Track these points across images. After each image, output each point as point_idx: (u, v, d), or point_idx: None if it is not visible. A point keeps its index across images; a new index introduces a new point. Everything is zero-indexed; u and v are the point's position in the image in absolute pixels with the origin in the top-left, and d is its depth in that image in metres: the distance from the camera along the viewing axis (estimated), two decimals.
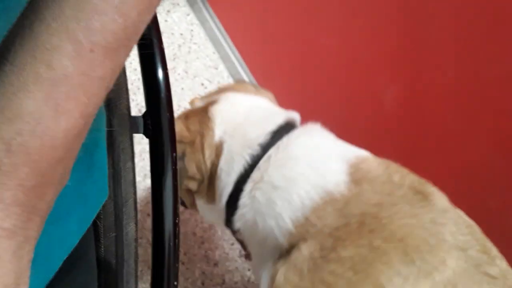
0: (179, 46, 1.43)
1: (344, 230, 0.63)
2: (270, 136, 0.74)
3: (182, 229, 1.16)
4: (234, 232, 0.85)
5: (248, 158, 0.72)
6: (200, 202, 0.83)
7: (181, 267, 1.12)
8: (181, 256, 1.13)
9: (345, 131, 0.80)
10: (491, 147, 0.90)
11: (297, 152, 0.71)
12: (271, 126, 0.75)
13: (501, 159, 0.89)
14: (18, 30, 0.29)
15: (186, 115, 0.82)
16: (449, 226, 0.62)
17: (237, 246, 1.18)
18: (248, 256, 1.18)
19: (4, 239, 0.26)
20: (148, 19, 0.34)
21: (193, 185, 0.79)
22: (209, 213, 0.84)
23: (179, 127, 0.78)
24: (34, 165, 0.27)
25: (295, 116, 0.80)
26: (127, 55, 0.33)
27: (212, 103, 0.81)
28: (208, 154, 0.76)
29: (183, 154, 0.77)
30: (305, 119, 1.02)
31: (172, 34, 1.44)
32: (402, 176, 0.68)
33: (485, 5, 0.81)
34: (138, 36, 0.34)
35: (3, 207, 0.26)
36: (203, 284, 1.11)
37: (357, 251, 0.61)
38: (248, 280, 1.15)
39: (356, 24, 1.06)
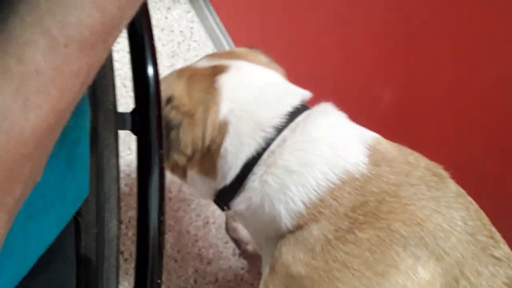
0: (179, 43, 1.42)
1: (362, 210, 0.63)
2: (285, 118, 0.70)
3: (176, 227, 1.16)
4: (223, 210, 0.81)
5: (261, 142, 0.69)
6: (191, 173, 0.79)
7: (174, 265, 1.11)
8: (175, 254, 1.13)
9: None
10: (487, 148, 0.90)
11: (315, 134, 0.69)
12: (286, 107, 0.72)
13: (496, 160, 0.89)
14: None
15: (190, 76, 0.76)
16: (461, 211, 0.64)
17: (231, 244, 1.18)
18: (243, 254, 1.18)
19: None
20: (129, 14, 0.34)
21: (181, 160, 0.75)
22: (200, 185, 0.80)
23: (179, 90, 0.74)
24: (0, 160, 0.26)
25: (308, 95, 0.77)
26: (106, 50, 0.33)
27: (221, 69, 0.75)
28: (210, 131, 0.72)
29: (179, 125, 0.73)
30: None
31: (172, 31, 1.43)
32: (416, 158, 0.68)
33: (482, 5, 0.80)
34: (118, 32, 0.34)
35: None
36: (195, 282, 1.11)
37: (375, 233, 0.61)
38: (242, 279, 1.15)
39: (355, 26, 1.06)
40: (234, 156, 0.70)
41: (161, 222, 0.51)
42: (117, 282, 0.47)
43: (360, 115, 1.13)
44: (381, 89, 1.06)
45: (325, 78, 1.21)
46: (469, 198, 0.68)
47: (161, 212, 0.52)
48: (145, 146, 0.52)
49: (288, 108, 0.72)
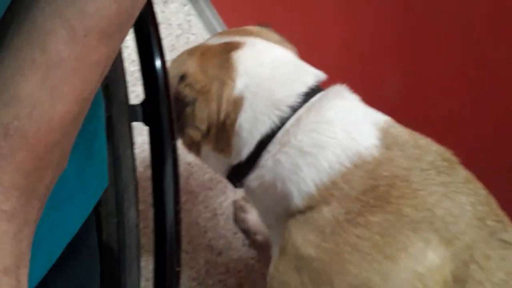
0: (177, 36, 1.42)
1: (373, 194, 0.63)
2: (301, 98, 0.70)
3: (185, 219, 1.17)
4: (236, 186, 0.81)
5: (276, 120, 0.69)
6: (206, 149, 0.79)
7: (185, 256, 1.12)
8: (185, 246, 1.13)
9: None
10: (495, 135, 0.90)
11: (329, 116, 0.68)
12: (302, 87, 0.72)
13: (504, 146, 0.89)
14: (13, 15, 0.29)
15: (203, 52, 0.76)
16: (470, 196, 0.64)
17: (241, 235, 1.19)
18: (252, 244, 1.19)
19: (3, 221, 0.26)
20: (141, 3, 0.34)
21: (196, 136, 0.75)
22: (214, 162, 0.81)
23: (193, 67, 0.74)
24: (31, 149, 0.27)
25: (322, 76, 0.76)
26: (121, 39, 0.33)
27: (235, 46, 0.75)
28: (225, 106, 0.71)
29: (194, 101, 0.73)
30: None
31: (170, 25, 1.43)
32: (427, 142, 0.69)
33: None
34: (132, 21, 0.34)
35: (2, 190, 0.26)
36: (207, 272, 1.12)
37: (386, 217, 0.61)
38: (252, 269, 1.16)
39: (357, 15, 1.06)
40: (248, 132, 0.71)
41: (177, 212, 0.52)
42: (139, 272, 0.48)
43: (364, 100, 1.14)
44: (386, 74, 1.06)
45: (327, 67, 1.21)
46: (478, 184, 0.68)
47: (177, 201, 0.53)
48: (157, 137, 0.53)
49: (304, 88, 0.72)
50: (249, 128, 0.70)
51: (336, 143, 0.66)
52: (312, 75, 0.75)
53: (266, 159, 0.70)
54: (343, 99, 0.72)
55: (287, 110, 0.70)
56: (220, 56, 0.74)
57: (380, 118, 0.71)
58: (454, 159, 0.68)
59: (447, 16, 0.89)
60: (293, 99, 0.70)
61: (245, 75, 0.72)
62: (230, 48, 0.75)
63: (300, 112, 0.69)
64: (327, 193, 0.65)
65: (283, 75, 0.73)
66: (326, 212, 0.64)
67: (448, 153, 0.68)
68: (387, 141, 0.67)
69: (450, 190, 0.64)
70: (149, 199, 0.53)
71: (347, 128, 0.67)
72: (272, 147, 0.69)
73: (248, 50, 0.75)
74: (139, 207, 0.48)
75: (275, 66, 0.74)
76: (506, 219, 0.66)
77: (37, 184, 0.28)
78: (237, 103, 0.71)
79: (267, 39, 0.80)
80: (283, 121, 0.69)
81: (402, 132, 0.69)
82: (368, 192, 0.63)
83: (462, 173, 0.67)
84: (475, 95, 0.91)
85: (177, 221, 0.52)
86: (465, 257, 0.60)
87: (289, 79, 0.73)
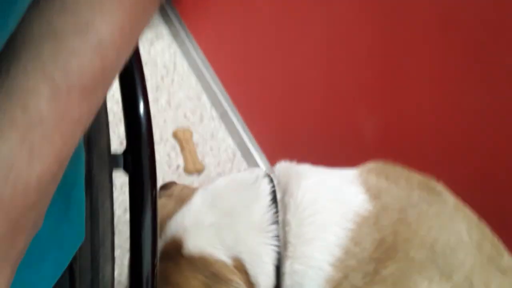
0: (162, 77, 1.43)
1: (382, 247, 0.64)
2: (273, 207, 0.69)
3: None
4: None
5: (272, 241, 0.67)
6: None
7: None
8: None
9: (327, 164, 0.80)
10: (475, 177, 0.91)
11: (309, 197, 0.68)
12: (265, 197, 0.70)
13: (484, 187, 0.90)
14: None
15: (168, 276, 0.68)
16: (465, 223, 0.66)
17: None
18: None
19: None
20: (126, 57, 0.34)
21: None
22: None
23: None
24: (5, 213, 0.25)
25: (262, 171, 0.74)
26: (105, 94, 0.33)
27: (175, 243, 0.69)
28: (237, 280, 0.66)
29: None
30: (287, 151, 1.00)
31: (155, 65, 1.44)
32: (406, 180, 0.70)
33: (464, 35, 0.83)
34: (116, 74, 0.34)
35: None
36: None
37: (397, 266, 0.62)
38: None
39: (338, 56, 1.09)
40: (263, 272, 0.67)
41: (154, 264, 0.50)
42: None
43: (344, 148, 1.15)
44: (365, 120, 1.07)
45: (307, 108, 1.22)
46: (467, 208, 0.69)
47: (155, 252, 0.51)
48: (138, 186, 0.52)
49: (267, 196, 0.70)
50: (261, 271, 0.67)
51: (331, 214, 0.66)
52: (259, 178, 0.72)
53: (287, 280, 0.67)
54: (304, 177, 0.71)
55: (273, 226, 0.67)
56: (181, 262, 0.68)
57: (351, 174, 0.72)
58: (438, 187, 0.70)
59: (424, 63, 0.92)
60: (269, 213, 0.68)
61: (218, 248, 0.68)
62: (174, 247, 0.69)
63: (282, 216, 0.68)
64: (343, 266, 0.64)
65: (237, 207, 0.70)
66: (346, 286, 0.64)
67: (431, 183, 0.70)
68: (372, 192, 0.68)
69: (444, 220, 0.66)
70: (126, 245, 0.51)
71: (332, 197, 0.68)
72: (286, 265, 0.67)
73: (193, 233, 0.69)
74: (115, 262, 0.47)
75: (223, 209, 0.70)
76: (500, 245, 0.67)
77: (10, 248, 0.26)
78: (238, 266, 0.67)
79: (183, 205, 0.74)
80: (277, 236, 0.67)
81: (379, 179, 0.70)
82: (379, 248, 0.64)
83: (450, 200, 0.69)
84: (455, 137, 0.93)
85: (154, 274, 0.50)
86: (465, 287, 0.62)
87: (249, 202, 0.70)
